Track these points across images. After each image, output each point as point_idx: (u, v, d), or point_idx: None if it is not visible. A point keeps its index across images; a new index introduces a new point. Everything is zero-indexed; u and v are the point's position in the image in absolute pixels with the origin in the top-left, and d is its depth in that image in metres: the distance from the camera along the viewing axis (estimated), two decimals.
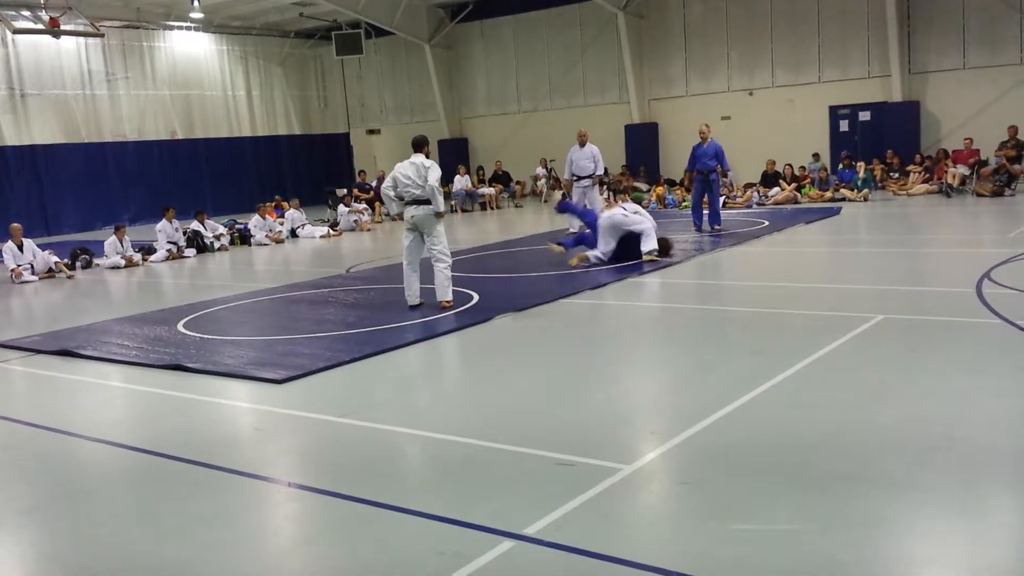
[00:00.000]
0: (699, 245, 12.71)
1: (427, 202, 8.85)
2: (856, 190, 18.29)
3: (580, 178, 15.23)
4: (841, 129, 21.76)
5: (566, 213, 14.85)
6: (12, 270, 14.13)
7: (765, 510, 3.87)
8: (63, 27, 20.99)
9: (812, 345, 6.54)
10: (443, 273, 8.92)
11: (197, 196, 24.62)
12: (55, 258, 14.70)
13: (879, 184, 19.47)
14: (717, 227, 14.09)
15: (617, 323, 8.49)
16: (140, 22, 25.15)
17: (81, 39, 23.27)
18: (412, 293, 9.12)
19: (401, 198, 8.98)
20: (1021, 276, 8.76)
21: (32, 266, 14.38)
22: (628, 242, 11.40)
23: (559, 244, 12.10)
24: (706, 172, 14.16)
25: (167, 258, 16.05)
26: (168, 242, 16.35)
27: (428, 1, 26.35)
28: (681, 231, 14.23)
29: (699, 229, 14.03)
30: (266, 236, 18.02)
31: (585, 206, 14.22)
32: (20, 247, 14.42)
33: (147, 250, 16.20)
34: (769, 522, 3.75)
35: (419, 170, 8.84)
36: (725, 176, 14.17)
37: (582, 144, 15.26)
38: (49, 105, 23.52)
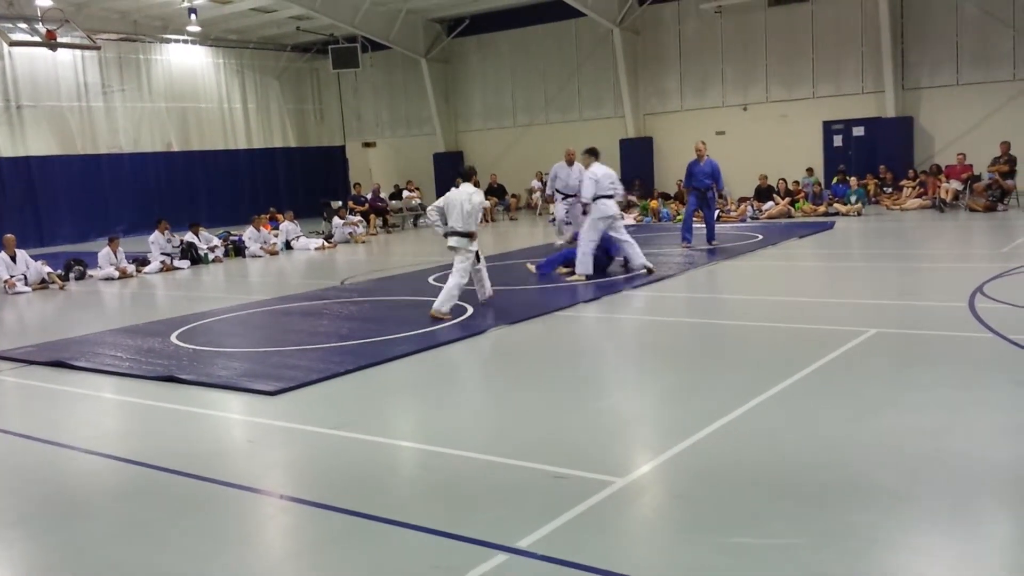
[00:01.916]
0: (692, 259, 12.73)
1: (462, 234, 9.39)
2: (849, 205, 18.35)
3: (566, 196, 15.13)
4: (835, 144, 21.85)
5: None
6: (5, 281, 14.09)
7: (759, 523, 3.87)
8: (60, 39, 20.98)
9: (805, 359, 6.55)
10: (452, 282, 9.21)
11: (192, 208, 24.57)
12: (48, 268, 14.65)
13: (873, 199, 19.55)
14: (713, 242, 14.10)
15: (610, 336, 8.50)
16: (137, 35, 25.18)
17: (78, 51, 23.28)
18: (480, 291, 9.77)
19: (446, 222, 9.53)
20: (1013, 290, 8.79)
21: (25, 277, 14.34)
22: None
23: (535, 265, 12.22)
24: (703, 189, 14.19)
25: (161, 269, 16.03)
26: (161, 253, 16.34)
27: (425, 15, 26.46)
28: (674, 245, 14.29)
29: (688, 244, 14.00)
30: (260, 248, 18.01)
31: (568, 223, 14.35)
32: (13, 258, 14.39)
33: (141, 261, 16.18)
34: (763, 535, 3.75)
35: (467, 203, 9.36)
36: (721, 196, 14.15)
37: (570, 163, 14.90)
38: (45, 117, 23.51)
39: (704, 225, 14.45)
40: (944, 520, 3.82)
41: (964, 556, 3.53)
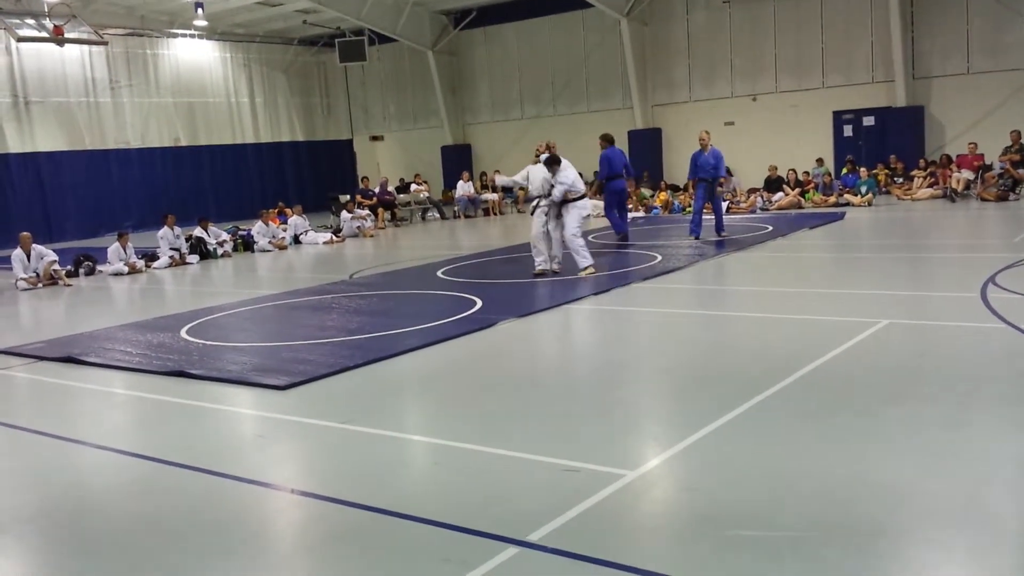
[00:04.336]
0: (702, 251, 12.68)
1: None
2: (860, 195, 18.26)
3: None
4: (845, 134, 21.75)
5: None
6: (21, 278, 14.15)
7: (770, 516, 3.85)
8: (67, 35, 21.05)
9: (816, 351, 6.51)
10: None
11: (201, 203, 24.66)
12: (54, 264, 14.58)
13: (883, 189, 19.44)
14: (722, 233, 14.01)
15: (620, 328, 8.47)
16: (144, 30, 25.23)
17: (85, 47, 23.33)
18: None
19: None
20: None
21: (37, 274, 14.40)
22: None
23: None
24: (710, 180, 14.03)
25: (170, 264, 16.07)
26: (170, 248, 16.38)
27: (431, 8, 26.42)
28: (683, 236, 14.24)
29: (697, 237, 13.88)
30: (269, 242, 18.03)
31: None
32: (29, 256, 14.45)
33: (150, 256, 16.22)
34: (773, 528, 3.73)
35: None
36: (722, 184, 14.02)
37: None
38: (53, 112, 23.59)
39: (713, 216, 14.33)
40: (958, 511, 3.79)
41: (978, 547, 3.50)
